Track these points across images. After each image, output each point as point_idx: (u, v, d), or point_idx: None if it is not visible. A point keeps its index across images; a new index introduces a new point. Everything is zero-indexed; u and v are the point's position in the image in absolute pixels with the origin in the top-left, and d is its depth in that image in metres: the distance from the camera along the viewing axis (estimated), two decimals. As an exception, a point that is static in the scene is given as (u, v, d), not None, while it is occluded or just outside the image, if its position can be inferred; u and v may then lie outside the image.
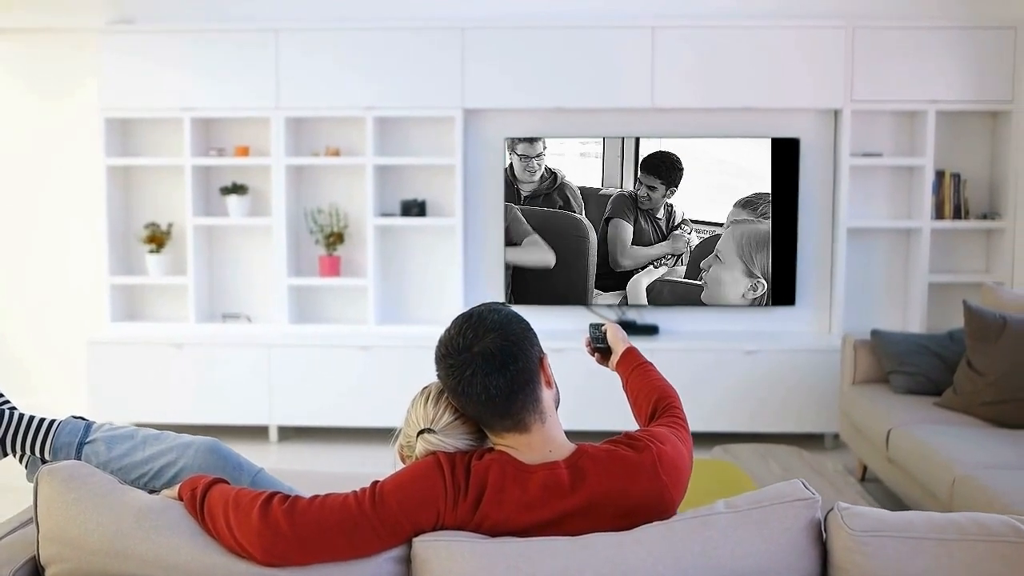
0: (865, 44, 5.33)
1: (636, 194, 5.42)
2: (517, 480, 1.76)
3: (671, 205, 5.43)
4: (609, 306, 5.58)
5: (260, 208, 5.71)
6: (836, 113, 5.50)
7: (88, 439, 2.24)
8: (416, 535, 1.74)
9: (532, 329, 1.85)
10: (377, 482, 1.78)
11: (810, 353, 5.32)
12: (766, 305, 5.50)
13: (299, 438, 5.55)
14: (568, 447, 1.83)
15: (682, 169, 5.39)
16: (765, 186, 5.41)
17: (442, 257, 5.73)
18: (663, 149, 5.41)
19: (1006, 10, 5.39)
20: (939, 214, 5.49)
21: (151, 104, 5.51)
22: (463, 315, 1.84)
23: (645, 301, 5.51)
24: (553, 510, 1.75)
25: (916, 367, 4.54)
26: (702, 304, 5.49)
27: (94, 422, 2.29)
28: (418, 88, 5.44)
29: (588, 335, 2.44)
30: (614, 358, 2.37)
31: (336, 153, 5.61)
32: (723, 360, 5.30)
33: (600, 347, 2.41)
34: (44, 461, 2.27)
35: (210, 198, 5.74)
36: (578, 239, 5.50)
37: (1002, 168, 5.45)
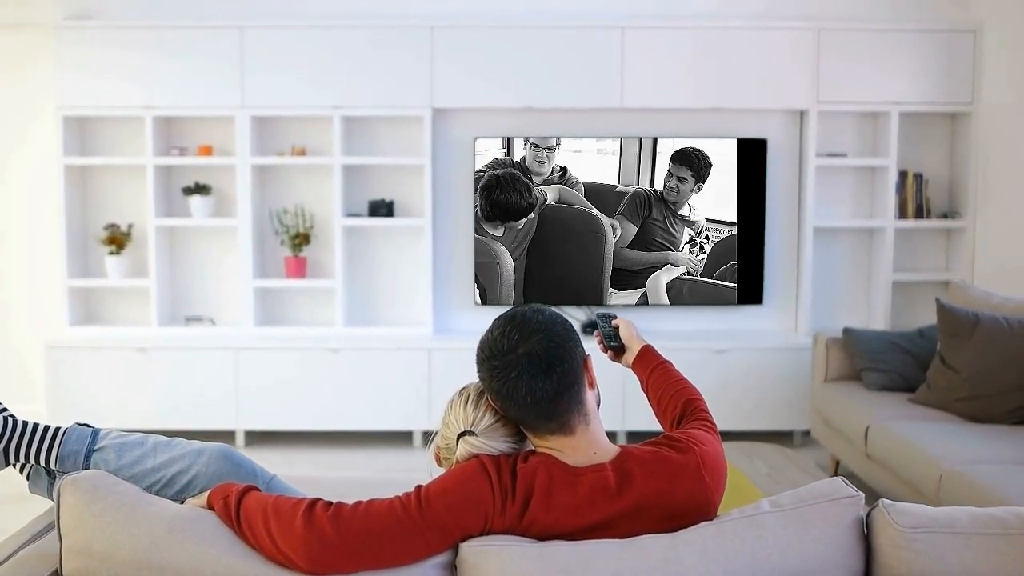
0: (830, 46, 5.40)
1: (664, 186, 5.41)
2: (565, 483, 1.73)
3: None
4: (579, 305, 5.57)
5: (224, 209, 5.60)
6: (802, 114, 5.57)
7: (96, 447, 2.17)
8: (463, 540, 1.70)
9: (575, 330, 1.83)
10: (420, 486, 1.74)
11: (779, 351, 5.38)
12: (734, 304, 5.54)
13: (267, 443, 5.46)
14: (612, 449, 1.81)
15: (711, 165, 5.41)
16: (732, 186, 5.45)
17: (411, 258, 5.68)
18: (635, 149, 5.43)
19: (966, 13, 5.50)
20: (902, 213, 5.58)
21: (111, 102, 5.37)
22: (506, 316, 1.81)
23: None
24: (601, 513, 1.73)
25: (888, 364, 4.61)
26: (670, 303, 5.52)
27: (100, 429, 2.21)
28: (386, 87, 5.38)
29: (599, 330, 2.36)
30: (629, 356, 2.31)
31: (302, 153, 5.52)
32: (694, 359, 5.32)
33: (613, 344, 2.33)
34: (49, 471, 2.19)
35: (172, 198, 5.61)
36: (595, 236, 5.48)
37: (962, 168, 5.56)
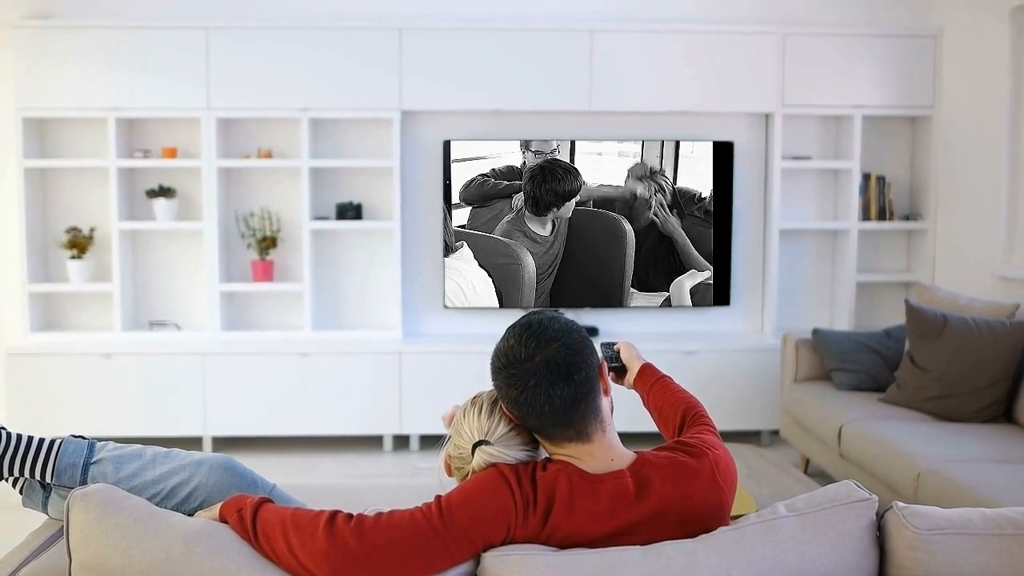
0: (796, 50, 5.46)
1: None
2: (585, 490, 1.73)
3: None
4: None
5: (188, 212, 5.52)
6: (768, 117, 5.62)
7: (94, 459, 2.12)
8: (486, 550, 1.69)
9: (589, 337, 1.83)
10: (440, 497, 1.72)
11: (746, 352, 5.43)
12: (703, 305, 5.59)
13: (235, 449, 5.38)
14: (628, 455, 1.81)
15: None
16: (705, 188, 5.50)
17: (379, 261, 5.64)
18: (600, 152, 5.44)
19: (927, 19, 5.59)
20: (865, 215, 5.66)
21: (72, 103, 5.26)
22: (521, 324, 1.81)
23: (580, 303, 5.53)
24: (622, 520, 1.73)
25: (857, 364, 4.67)
26: (614, 305, 5.54)
27: (96, 441, 2.17)
28: (354, 89, 5.34)
29: (601, 355, 2.42)
30: (630, 376, 2.37)
31: (268, 155, 5.46)
32: (663, 361, 5.25)
33: (615, 366, 2.41)
34: (43, 485, 2.15)
35: (135, 201, 5.52)
36: (616, 239, 5.48)
37: (922, 171, 5.66)
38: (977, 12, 5.11)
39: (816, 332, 4.89)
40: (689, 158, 5.48)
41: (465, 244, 5.43)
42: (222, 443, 5.39)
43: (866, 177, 5.65)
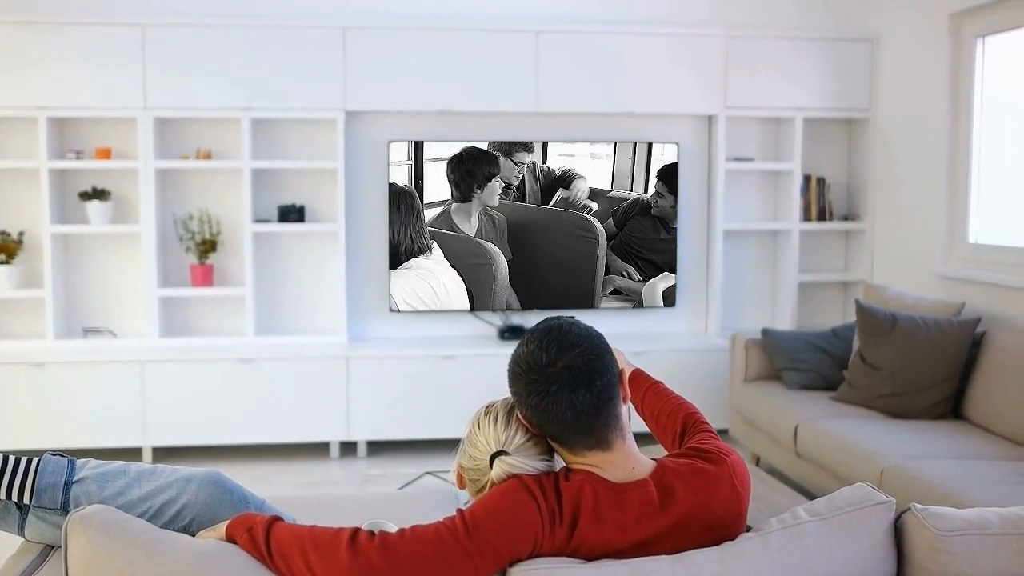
0: (738, 53, 5.51)
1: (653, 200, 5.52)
2: (611, 500, 1.69)
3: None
4: (494, 311, 5.53)
5: (124, 215, 5.33)
6: (711, 119, 5.67)
7: (76, 478, 2.01)
8: (512, 564, 1.64)
9: (608, 343, 1.80)
10: (462, 510, 1.67)
11: (693, 352, 5.46)
12: (651, 307, 5.61)
13: (177, 459, 5.22)
14: (647, 462, 1.78)
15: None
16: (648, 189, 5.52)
17: (323, 265, 5.53)
18: (573, 153, 5.43)
19: (866, 23, 5.69)
20: (806, 216, 5.74)
21: (1, 102, 5.04)
22: (540, 330, 1.76)
23: (528, 306, 5.50)
24: (649, 530, 1.69)
25: (807, 363, 4.73)
26: (585, 306, 5.54)
27: (75, 458, 2.06)
28: (297, 89, 5.22)
29: None
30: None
31: (208, 156, 5.31)
32: (612, 362, 5.35)
33: None
34: (21, 507, 2.02)
35: (68, 204, 5.31)
36: (588, 240, 5.44)
37: (860, 172, 5.76)
38: (915, 16, 5.22)
39: (765, 332, 4.94)
40: (636, 160, 5.49)
41: (436, 244, 5.36)
42: (162, 453, 5.22)
43: (807, 179, 5.73)
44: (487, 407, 1.85)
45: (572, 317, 1.83)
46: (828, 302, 5.92)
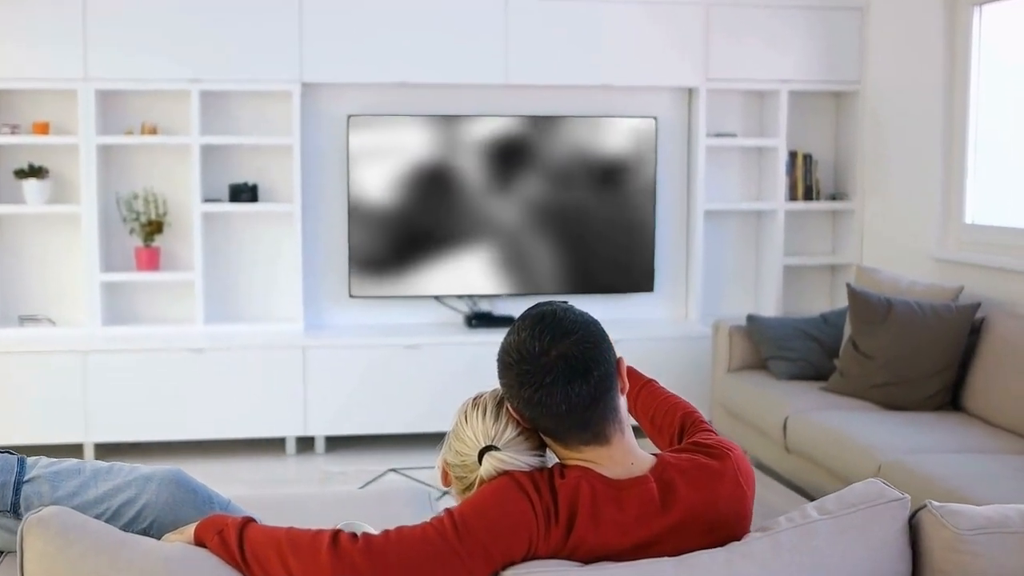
0: (720, 23, 5.50)
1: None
2: (610, 499, 1.67)
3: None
4: (459, 297, 5.50)
5: (63, 194, 5.24)
6: (691, 92, 5.66)
7: (26, 477, 1.97)
8: (505, 567, 1.62)
9: (605, 330, 1.78)
10: (450, 510, 1.65)
11: (672, 340, 5.46)
12: (627, 291, 5.61)
13: (122, 456, 5.15)
14: (647, 458, 1.76)
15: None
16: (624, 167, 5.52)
17: (278, 248, 5.47)
18: (519, 128, 5.40)
19: (854, -9, 5.71)
20: (792, 195, 5.76)
21: (-74, 72, 4.95)
22: (532, 316, 1.74)
23: (497, 291, 5.47)
24: (649, 530, 1.68)
25: (796, 352, 4.75)
26: (557, 292, 5.53)
27: (25, 456, 2.01)
28: (250, 59, 5.16)
29: None
30: None
31: (153, 131, 5.23)
32: (588, 351, 5.35)
33: None
34: (-34, 509, 1.97)
35: (2, 183, 5.21)
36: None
37: (848, 149, 5.79)
38: (907, -15, 5.24)
39: (751, 318, 4.95)
40: (612, 133, 5.48)
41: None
42: (105, 450, 5.15)
43: (792, 155, 5.75)
44: (475, 399, 1.82)
45: (565, 302, 1.80)
46: (814, 286, 5.95)
